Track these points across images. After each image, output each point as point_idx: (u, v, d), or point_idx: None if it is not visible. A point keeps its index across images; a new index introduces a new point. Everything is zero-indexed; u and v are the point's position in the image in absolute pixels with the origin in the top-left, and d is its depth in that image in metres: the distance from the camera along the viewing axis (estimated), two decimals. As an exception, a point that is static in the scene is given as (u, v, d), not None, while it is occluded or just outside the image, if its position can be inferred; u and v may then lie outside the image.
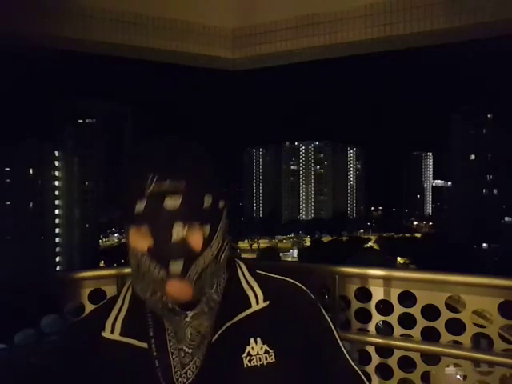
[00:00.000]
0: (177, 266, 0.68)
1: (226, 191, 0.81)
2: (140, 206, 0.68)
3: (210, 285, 0.74)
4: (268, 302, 0.79)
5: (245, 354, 0.73)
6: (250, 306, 0.78)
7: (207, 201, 0.71)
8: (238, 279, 0.82)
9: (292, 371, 0.74)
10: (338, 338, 0.82)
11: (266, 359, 0.74)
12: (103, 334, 0.75)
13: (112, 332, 0.74)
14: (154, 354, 0.71)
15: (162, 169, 0.69)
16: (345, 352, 0.81)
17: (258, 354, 0.74)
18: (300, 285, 0.85)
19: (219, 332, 0.73)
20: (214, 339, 0.73)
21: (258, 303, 0.78)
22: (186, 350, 0.71)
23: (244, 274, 0.84)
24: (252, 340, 0.75)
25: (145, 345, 0.72)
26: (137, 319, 0.75)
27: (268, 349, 0.75)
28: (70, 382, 0.72)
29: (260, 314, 0.77)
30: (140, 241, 0.70)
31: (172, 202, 0.67)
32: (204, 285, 0.72)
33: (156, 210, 0.67)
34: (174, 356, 0.71)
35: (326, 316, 0.84)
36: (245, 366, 0.73)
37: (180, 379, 0.70)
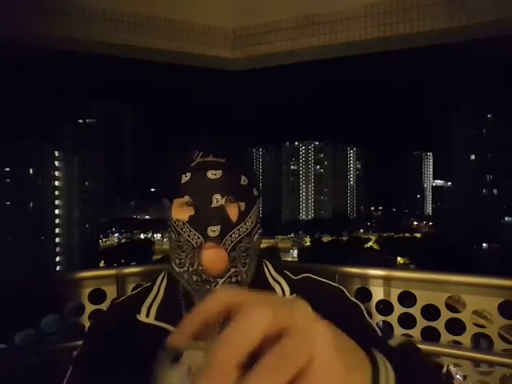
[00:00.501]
0: (214, 231, 0.72)
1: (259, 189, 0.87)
2: (185, 178, 0.75)
3: (242, 262, 0.76)
4: (295, 295, 0.79)
5: None
6: None
7: (244, 181, 0.78)
8: (264, 274, 0.84)
9: None
10: (371, 325, 0.75)
11: None
12: (138, 317, 0.77)
13: (147, 316, 0.77)
14: None
15: (206, 146, 0.77)
16: (378, 331, 0.74)
17: None
18: (326, 281, 0.84)
19: None
20: None
21: (284, 295, 0.79)
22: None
23: (270, 272, 0.86)
24: None
25: None
26: (172, 306, 0.78)
27: None
28: (105, 361, 0.73)
29: None
30: (182, 211, 0.76)
31: (213, 175, 0.74)
32: (237, 258, 0.75)
33: (199, 181, 0.74)
34: None
35: (357, 307, 0.79)
36: None
37: None
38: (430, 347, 1.67)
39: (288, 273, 0.87)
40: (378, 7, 2.46)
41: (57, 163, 62.45)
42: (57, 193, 62.90)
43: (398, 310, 1.74)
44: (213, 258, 0.72)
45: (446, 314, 1.66)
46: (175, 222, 0.77)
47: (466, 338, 1.62)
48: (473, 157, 77.24)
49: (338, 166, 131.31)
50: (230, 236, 0.74)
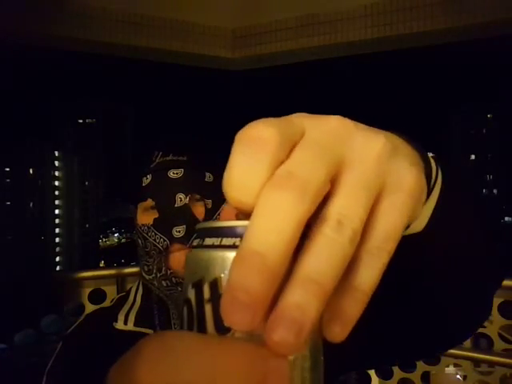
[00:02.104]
0: (179, 232, 0.70)
1: None
2: (146, 180, 0.73)
3: None
4: None
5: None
6: None
7: (208, 177, 0.75)
8: None
9: None
10: None
11: None
12: (116, 325, 0.75)
13: (125, 323, 0.75)
14: None
15: (166, 146, 0.75)
16: None
17: None
18: None
19: None
20: None
21: None
22: None
23: None
24: None
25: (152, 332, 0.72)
26: (149, 312, 0.76)
27: None
28: (81, 373, 0.71)
29: None
30: (147, 215, 0.73)
31: (175, 174, 0.72)
32: None
33: (160, 182, 0.72)
34: None
35: None
36: None
37: None
38: (429, 347, 1.67)
39: None
40: (378, 7, 2.46)
41: (57, 163, 62.49)
42: (57, 193, 62.94)
43: (398, 309, 1.74)
44: (180, 259, 0.70)
45: (445, 314, 1.66)
46: (141, 228, 0.74)
47: (465, 338, 1.62)
48: (473, 157, 77.31)
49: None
50: None
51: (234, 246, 0.20)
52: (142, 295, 0.80)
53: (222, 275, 0.20)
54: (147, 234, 0.73)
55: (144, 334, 0.69)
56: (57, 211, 62.61)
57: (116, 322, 0.76)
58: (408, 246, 0.29)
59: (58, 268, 59.64)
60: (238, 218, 0.22)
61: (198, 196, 0.73)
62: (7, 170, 55.07)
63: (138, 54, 2.84)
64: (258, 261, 0.17)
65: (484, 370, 1.71)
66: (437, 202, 0.34)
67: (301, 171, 0.19)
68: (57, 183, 62.47)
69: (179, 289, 0.71)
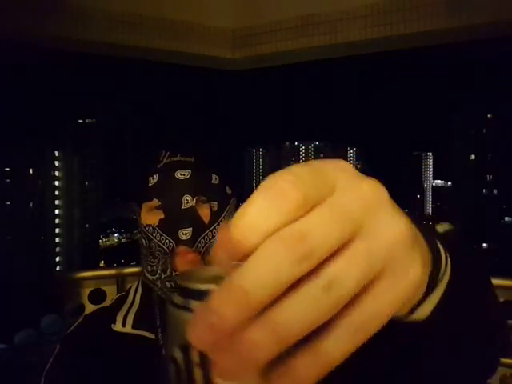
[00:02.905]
0: (185, 234, 0.70)
1: (236, 186, 0.83)
2: (152, 180, 0.73)
3: None
4: None
5: None
6: None
7: (214, 180, 0.75)
8: None
9: None
10: None
11: None
12: (114, 327, 0.74)
13: (124, 325, 0.74)
14: (161, 342, 0.70)
15: (173, 146, 0.75)
16: None
17: None
18: None
19: None
20: None
21: None
22: None
23: None
24: None
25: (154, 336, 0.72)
26: (149, 314, 0.75)
27: None
28: (79, 376, 0.70)
29: None
30: (152, 215, 0.73)
31: (182, 175, 0.72)
32: (211, 262, 0.70)
33: (167, 182, 0.72)
34: None
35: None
36: None
37: None
38: (429, 347, 1.67)
39: None
40: (378, 7, 2.46)
41: (57, 163, 62.48)
42: (57, 193, 62.94)
43: (398, 310, 1.74)
44: (186, 262, 0.69)
45: (445, 314, 1.66)
46: (145, 228, 0.74)
47: (465, 338, 1.62)
48: (473, 157, 77.30)
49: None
50: (203, 238, 0.71)
51: None
52: (142, 295, 0.79)
53: None
54: (152, 235, 0.73)
55: (142, 337, 0.64)
56: (57, 211, 62.59)
57: (114, 323, 0.74)
58: (409, 332, 0.30)
59: (58, 268, 59.64)
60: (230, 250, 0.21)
61: (204, 198, 0.73)
62: (7, 170, 55.06)
63: (138, 53, 2.84)
64: (241, 295, 0.18)
65: (484, 370, 1.71)
66: (444, 293, 0.34)
67: (312, 235, 0.19)
68: (57, 183, 62.45)
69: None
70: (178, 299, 0.25)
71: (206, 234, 0.72)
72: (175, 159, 0.73)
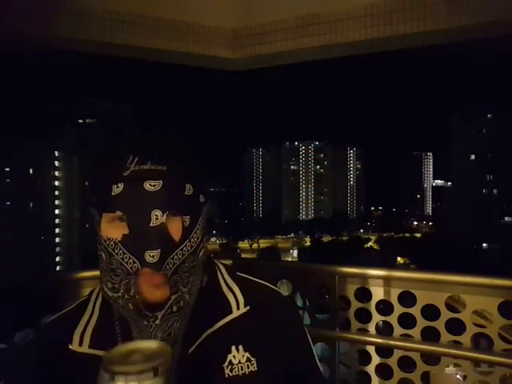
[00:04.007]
0: (153, 257, 0.61)
1: (208, 189, 0.77)
2: (116, 189, 0.63)
3: (185, 283, 0.67)
4: (248, 308, 0.74)
5: (226, 363, 0.69)
6: (230, 312, 0.74)
7: (188, 190, 0.67)
8: (217, 282, 0.78)
9: (273, 381, 0.71)
10: (311, 345, 0.82)
11: (248, 368, 0.69)
12: (71, 347, 0.69)
13: (80, 344, 0.69)
14: None
15: (143, 151, 0.65)
16: (317, 359, 0.81)
17: (239, 362, 0.69)
18: (278, 290, 0.83)
19: (199, 341, 0.69)
20: (192, 349, 0.68)
21: (238, 308, 0.74)
22: None
23: (224, 277, 0.79)
24: (234, 348, 0.70)
25: None
26: (106, 329, 0.70)
27: (250, 357, 0.70)
28: None
29: (241, 320, 0.73)
30: (114, 228, 0.64)
31: (152, 187, 0.63)
32: (179, 281, 0.66)
33: (134, 194, 0.63)
34: None
35: (303, 323, 0.84)
36: (226, 375, 0.68)
37: None
38: (430, 347, 1.67)
39: (242, 275, 0.82)
40: (378, 7, 2.46)
41: (57, 163, 62.46)
42: (57, 193, 62.90)
43: (398, 309, 1.74)
44: (151, 285, 0.63)
45: (446, 314, 1.66)
46: (105, 241, 0.65)
47: (466, 338, 1.62)
48: (473, 157, 77.27)
49: (338, 166, 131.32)
50: (172, 258, 0.64)
51: None
52: (101, 306, 0.74)
53: None
54: (113, 251, 0.64)
55: (98, 358, 0.60)
56: (57, 211, 62.59)
57: (71, 343, 0.69)
58: None
59: (57, 268, 59.63)
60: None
61: (176, 212, 0.65)
62: (7, 169, 55.05)
63: (138, 54, 2.84)
64: None
65: (484, 370, 1.71)
66: None
67: None
68: (57, 183, 62.45)
69: (145, 322, 0.65)
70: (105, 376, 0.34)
71: (176, 254, 0.64)
72: (145, 167, 0.64)
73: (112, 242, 0.65)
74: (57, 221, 62.98)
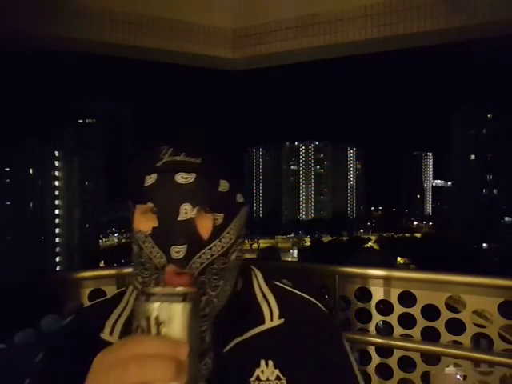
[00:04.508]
0: (178, 252, 0.59)
1: (247, 191, 0.73)
2: (149, 180, 0.61)
3: (213, 286, 0.63)
4: (283, 320, 0.70)
5: (253, 378, 0.64)
6: (263, 322, 0.69)
7: (223, 187, 0.63)
8: (252, 289, 0.74)
9: None
10: (354, 367, 0.73)
11: None
12: (102, 335, 0.68)
13: (111, 334, 0.68)
14: None
15: (178, 142, 0.63)
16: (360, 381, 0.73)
17: (268, 379, 0.64)
18: (318, 304, 0.76)
19: (228, 347, 0.65)
20: (223, 352, 0.64)
21: (272, 319, 0.69)
22: None
23: (259, 284, 0.75)
24: (263, 362, 0.65)
25: None
26: None
27: (280, 375, 0.65)
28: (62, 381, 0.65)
29: (274, 333, 0.68)
30: (146, 219, 0.62)
31: (184, 179, 0.60)
32: (206, 283, 0.62)
33: (165, 185, 0.60)
34: None
35: (345, 343, 0.75)
36: None
37: None
38: (430, 347, 1.67)
39: (280, 284, 0.77)
40: (378, 7, 2.46)
41: (57, 163, 62.47)
42: (57, 193, 62.91)
43: (398, 309, 1.74)
44: (174, 283, 0.59)
45: (445, 314, 1.66)
46: (137, 233, 0.64)
47: (466, 338, 1.62)
48: (473, 157, 77.29)
49: (338, 166, 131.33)
50: (199, 257, 0.60)
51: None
52: (135, 300, 0.73)
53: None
54: (143, 243, 0.62)
55: None
56: (57, 211, 62.58)
57: (102, 331, 0.69)
58: None
59: (57, 268, 59.62)
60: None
61: (207, 208, 0.61)
62: (7, 169, 55.02)
63: (138, 54, 2.84)
64: None
65: (484, 370, 1.71)
66: None
67: None
68: (57, 183, 62.44)
69: None
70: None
71: (204, 253, 0.61)
72: (178, 159, 0.61)
73: (142, 235, 0.63)
74: (57, 221, 62.98)
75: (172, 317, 0.46)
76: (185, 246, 0.59)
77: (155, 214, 0.61)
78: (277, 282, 0.77)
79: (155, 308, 0.46)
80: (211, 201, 0.61)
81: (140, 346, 0.43)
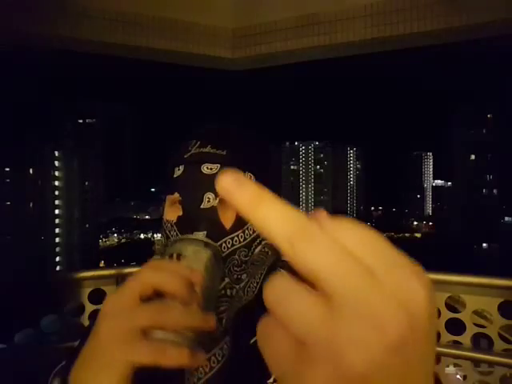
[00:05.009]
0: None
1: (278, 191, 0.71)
2: (177, 172, 0.64)
3: (235, 278, 0.62)
4: None
5: (271, 380, 0.61)
6: None
7: (248, 178, 0.62)
8: None
9: None
10: None
11: None
12: None
13: None
14: None
15: (205, 136, 0.65)
16: None
17: None
18: None
19: (252, 340, 0.61)
20: (240, 350, 0.61)
21: None
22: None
23: None
24: None
25: None
26: None
27: None
28: None
29: None
30: (173, 210, 0.64)
31: (209, 170, 0.62)
32: (227, 273, 0.61)
33: (191, 176, 0.62)
34: None
35: None
36: None
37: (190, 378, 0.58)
38: (429, 347, 1.67)
39: None
40: (378, 7, 2.46)
41: (57, 163, 62.48)
42: (57, 193, 62.91)
43: (398, 309, 1.73)
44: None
45: (445, 314, 1.66)
46: (165, 223, 0.65)
47: (465, 338, 1.62)
48: (473, 157, 77.31)
49: (338, 166, 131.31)
50: (220, 246, 0.60)
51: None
52: None
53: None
54: (169, 233, 0.64)
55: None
56: (57, 211, 62.57)
57: None
58: None
59: (58, 268, 59.64)
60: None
61: None
62: (7, 170, 55.02)
63: (138, 53, 2.84)
64: None
65: (484, 370, 1.71)
66: None
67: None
68: (57, 183, 62.42)
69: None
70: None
71: (225, 242, 0.60)
72: (204, 150, 0.63)
73: (169, 224, 0.64)
74: (57, 221, 62.97)
75: (192, 253, 0.50)
76: (204, 233, 0.59)
77: (181, 204, 0.63)
78: None
79: (178, 247, 0.51)
80: None
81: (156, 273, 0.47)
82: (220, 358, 0.59)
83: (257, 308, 0.62)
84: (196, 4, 2.76)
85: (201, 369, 0.58)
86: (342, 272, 0.19)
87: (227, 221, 0.61)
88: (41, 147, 58.84)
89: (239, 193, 0.22)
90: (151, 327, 0.44)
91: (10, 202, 54.94)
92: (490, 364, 1.61)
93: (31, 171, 57.19)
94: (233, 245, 0.61)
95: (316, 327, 0.19)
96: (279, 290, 0.21)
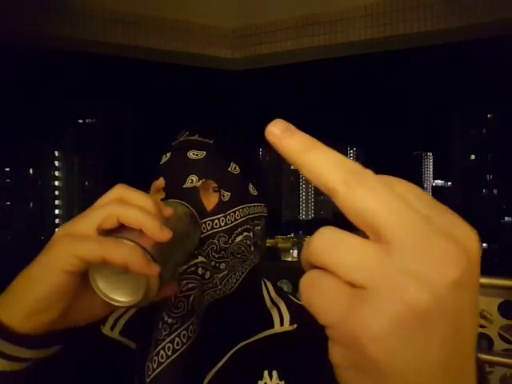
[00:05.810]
0: None
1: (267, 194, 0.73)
2: (164, 158, 0.64)
3: (213, 266, 0.60)
4: (295, 326, 0.64)
5: (263, 381, 0.58)
6: (272, 326, 0.63)
7: (233, 168, 0.64)
8: (261, 296, 0.69)
9: None
10: None
11: None
12: (102, 329, 0.65)
13: (112, 329, 0.65)
14: (137, 356, 0.58)
15: (195, 127, 0.67)
16: None
17: None
18: None
19: (231, 352, 0.59)
20: (225, 358, 0.59)
21: (282, 324, 0.64)
22: (168, 320, 0.55)
23: (270, 293, 0.70)
24: (266, 373, 0.58)
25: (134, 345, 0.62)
26: (143, 319, 0.63)
27: None
28: (63, 376, 0.61)
29: (283, 339, 0.62)
30: (156, 196, 0.63)
31: (195, 156, 0.63)
32: (204, 256, 0.59)
33: (177, 161, 0.63)
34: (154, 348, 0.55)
35: None
36: None
37: (150, 364, 0.53)
38: (429, 347, 1.67)
39: (290, 296, 0.72)
40: (378, 7, 2.46)
41: (57, 163, 62.52)
42: (57, 193, 62.96)
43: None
44: None
45: (445, 314, 1.66)
46: None
47: (465, 338, 1.62)
48: (473, 157, 77.35)
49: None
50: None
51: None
52: None
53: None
54: None
55: (125, 346, 0.59)
56: (57, 211, 62.64)
57: (104, 324, 0.65)
58: None
59: (57, 268, 59.63)
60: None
61: (214, 185, 0.61)
62: (7, 170, 55.05)
63: (138, 53, 2.84)
64: None
65: (484, 370, 1.71)
66: None
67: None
68: (57, 183, 62.49)
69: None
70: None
71: (204, 223, 0.59)
72: (192, 138, 0.64)
73: None
74: (57, 221, 63.03)
75: (171, 207, 0.48)
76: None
77: (164, 190, 0.62)
78: (290, 296, 0.72)
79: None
80: (220, 178, 0.62)
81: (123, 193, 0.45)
82: (185, 340, 0.54)
83: (233, 306, 0.62)
84: (196, 4, 2.76)
85: (162, 352, 0.53)
86: (399, 214, 0.20)
87: (209, 203, 0.61)
88: (41, 147, 58.87)
89: (291, 137, 0.23)
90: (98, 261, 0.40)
91: (9, 202, 54.97)
92: (490, 364, 1.61)
93: (31, 171, 57.24)
94: (213, 227, 0.60)
95: (375, 270, 0.19)
96: (329, 240, 0.21)
